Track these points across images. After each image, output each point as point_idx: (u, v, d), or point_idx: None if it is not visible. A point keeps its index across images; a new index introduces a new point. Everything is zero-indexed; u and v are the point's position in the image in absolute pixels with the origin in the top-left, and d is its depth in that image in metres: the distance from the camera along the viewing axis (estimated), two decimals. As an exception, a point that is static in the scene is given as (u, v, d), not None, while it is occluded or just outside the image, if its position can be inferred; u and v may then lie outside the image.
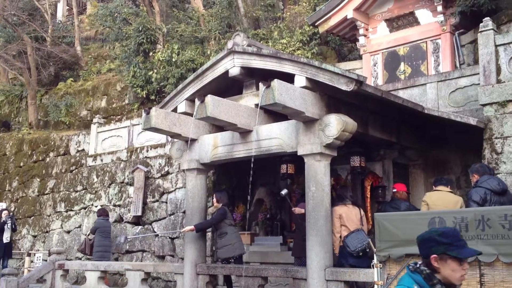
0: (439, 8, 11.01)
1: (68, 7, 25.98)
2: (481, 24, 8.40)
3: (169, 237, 11.82)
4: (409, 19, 11.64)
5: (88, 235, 12.27)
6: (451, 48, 11.04)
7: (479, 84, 8.34)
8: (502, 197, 6.58)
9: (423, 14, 11.47)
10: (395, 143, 8.97)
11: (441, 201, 7.26)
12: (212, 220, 8.57)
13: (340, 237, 7.73)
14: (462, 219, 5.02)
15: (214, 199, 8.84)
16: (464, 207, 7.25)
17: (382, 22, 12.00)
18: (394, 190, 8.37)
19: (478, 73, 8.44)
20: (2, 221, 13.15)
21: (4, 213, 13.41)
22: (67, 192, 14.58)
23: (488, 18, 8.47)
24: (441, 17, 11.08)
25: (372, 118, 8.25)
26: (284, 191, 8.33)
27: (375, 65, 12.06)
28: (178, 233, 8.37)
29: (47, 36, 21.05)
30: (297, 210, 8.23)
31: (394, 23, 11.85)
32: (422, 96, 9.37)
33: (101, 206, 13.54)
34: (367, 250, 7.44)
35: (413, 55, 11.55)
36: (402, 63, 11.66)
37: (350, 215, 7.84)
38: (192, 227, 8.50)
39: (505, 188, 6.71)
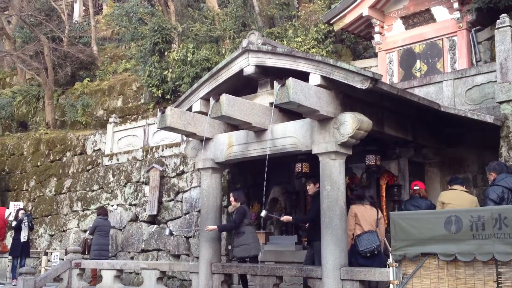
0: (456, 5, 10.91)
1: (84, 8, 26.20)
2: (498, 20, 8.30)
3: (184, 236, 11.86)
4: (425, 16, 11.54)
5: (88, 235, 12.44)
6: (468, 45, 10.93)
7: (496, 81, 8.25)
8: None
9: (439, 11, 11.36)
10: (411, 141, 8.89)
11: (456, 200, 7.20)
12: (234, 223, 8.54)
13: (353, 235, 7.67)
14: (478, 217, 4.98)
15: (232, 198, 8.83)
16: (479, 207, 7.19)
17: (398, 20, 11.92)
18: (416, 187, 8.29)
19: (495, 70, 8.35)
20: (18, 219, 13.28)
21: (21, 212, 13.54)
22: (84, 192, 14.70)
23: (505, 14, 8.37)
24: (457, 14, 10.97)
25: (388, 116, 8.19)
26: (263, 213, 8.37)
27: (390, 63, 11.98)
28: (205, 230, 8.49)
29: (63, 37, 21.24)
30: (285, 218, 8.37)
31: (410, 21, 11.76)
32: (438, 94, 9.29)
33: (117, 205, 13.63)
34: (376, 252, 7.39)
35: (429, 52, 11.45)
36: (418, 61, 11.57)
37: (365, 215, 7.76)
38: (215, 227, 8.52)
39: None
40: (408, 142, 8.95)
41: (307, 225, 8.65)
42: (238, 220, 8.44)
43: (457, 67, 10.84)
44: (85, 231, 13.83)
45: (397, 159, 9.54)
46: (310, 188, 8.45)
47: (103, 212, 12.41)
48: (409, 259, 5.49)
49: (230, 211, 9.10)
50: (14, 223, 13.33)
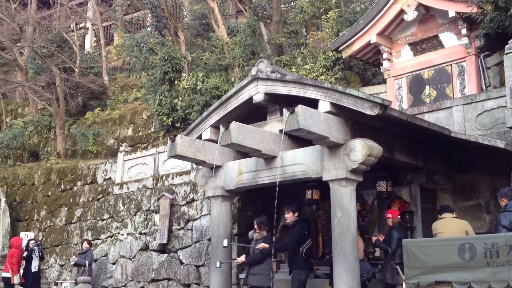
0: (463, 31, 10.94)
1: (95, 39, 26.57)
2: (506, 46, 8.31)
3: (195, 265, 11.76)
4: (433, 43, 11.58)
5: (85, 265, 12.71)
6: (477, 71, 10.93)
7: (506, 106, 8.20)
8: None
9: (447, 37, 11.39)
10: (422, 167, 8.84)
11: (447, 227, 7.45)
12: (262, 254, 8.32)
13: None
14: (492, 244, 4.89)
15: (256, 226, 8.59)
16: (471, 230, 7.53)
17: (406, 46, 11.96)
18: (389, 215, 8.56)
19: (505, 95, 8.32)
20: (29, 249, 13.27)
21: (32, 242, 13.54)
22: (94, 221, 14.69)
23: (513, 39, 8.37)
24: (465, 40, 11.00)
25: (398, 142, 8.16)
26: (225, 242, 8.32)
27: (399, 89, 11.99)
28: (235, 263, 8.46)
29: (75, 67, 21.50)
30: (261, 246, 8.17)
31: (418, 47, 11.80)
32: (449, 120, 9.26)
33: (127, 234, 13.58)
34: (372, 279, 7.63)
35: (438, 78, 11.46)
36: (427, 87, 11.57)
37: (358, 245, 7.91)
38: (243, 259, 8.36)
39: None
40: (419, 168, 8.90)
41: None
42: (266, 251, 8.22)
43: (466, 92, 10.82)
44: (95, 260, 13.77)
45: (408, 185, 9.47)
46: (289, 217, 8.31)
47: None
48: (423, 287, 5.39)
49: (256, 238, 8.78)
50: (25, 253, 13.31)
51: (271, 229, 8.72)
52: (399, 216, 8.62)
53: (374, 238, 8.65)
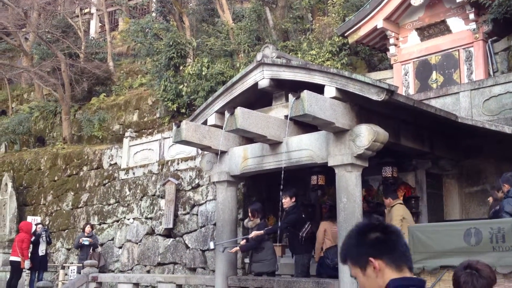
0: (471, 16, 10.85)
1: (100, 24, 26.52)
2: (514, 30, 8.24)
3: (200, 249, 11.83)
4: (441, 28, 11.48)
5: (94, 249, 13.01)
6: (484, 56, 10.84)
7: (513, 91, 8.16)
8: None
9: (454, 22, 11.30)
10: (428, 153, 8.81)
11: (408, 215, 7.84)
12: (256, 242, 8.44)
13: (322, 248, 8.41)
14: (498, 229, 4.90)
15: (250, 214, 8.76)
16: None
17: (413, 31, 11.87)
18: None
19: (513, 81, 8.26)
20: (37, 234, 13.37)
21: (39, 227, 13.64)
22: (100, 206, 14.76)
23: (522, 24, 8.30)
24: (473, 25, 10.91)
25: (404, 127, 8.13)
26: (211, 244, 8.42)
27: (406, 75, 11.92)
28: (229, 252, 8.54)
29: (80, 53, 21.48)
30: (254, 234, 8.31)
31: (425, 32, 11.71)
32: (455, 105, 9.21)
33: (133, 219, 13.66)
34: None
35: (445, 63, 11.38)
36: (434, 72, 11.50)
37: (333, 231, 8.35)
38: (237, 248, 8.49)
39: None
40: (425, 153, 8.88)
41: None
42: (259, 238, 8.37)
43: (473, 78, 10.75)
44: (101, 244, 13.87)
45: (414, 170, 9.45)
46: (286, 202, 8.37)
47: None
48: (428, 272, 5.41)
49: (250, 227, 8.93)
50: (32, 238, 13.41)
51: (265, 216, 8.79)
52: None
53: None
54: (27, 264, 12.97)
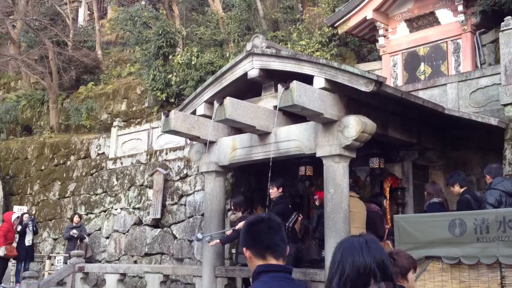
0: (460, 8, 10.88)
1: (89, 12, 26.25)
2: (502, 23, 8.28)
3: (188, 240, 11.84)
4: (430, 19, 11.52)
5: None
6: (472, 48, 10.90)
7: (500, 84, 8.21)
8: None
9: (443, 14, 11.33)
10: (415, 144, 8.86)
11: (355, 207, 7.90)
12: (237, 233, 8.44)
13: None
14: (483, 220, 4.95)
15: (232, 207, 8.78)
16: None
17: (402, 23, 11.89)
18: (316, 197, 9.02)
19: (500, 73, 8.32)
20: (23, 224, 13.29)
21: (25, 216, 13.56)
22: (88, 195, 14.70)
23: (509, 17, 8.33)
24: (462, 17, 10.95)
25: (392, 119, 8.16)
26: (199, 236, 8.39)
27: (394, 66, 11.96)
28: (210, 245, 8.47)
29: (68, 41, 21.29)
30: (239, 225, 8.22)
31: (414, 23, 11.74)
32: (443, 97, 9.25)
33: (120, 209, 13.63)
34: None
35: (433, 55, 11.42)
36: (422, 64, 11.54)
37: None
38: (218, 241, 8.44)
39: None
40: (412, 145, 8.93)
41: None
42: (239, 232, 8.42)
43: (461, 69, 10.80)
44: (89, 235, 13.84)
45: (401, 162, 9.50)
46: (273, 192, 8.33)
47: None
48: (413, 262, 5.45)
49: (233, 220, 8.95)
50: (19, 227, 13.32)
51: (248, 209, 8.79)
52: None
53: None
54: (1, 251, 12.81)
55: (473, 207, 6.81)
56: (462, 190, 7.24)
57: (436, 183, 8.18)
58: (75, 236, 12.95)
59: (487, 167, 7.02)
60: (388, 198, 9.38)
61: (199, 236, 8.45)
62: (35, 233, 13.65)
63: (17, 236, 13.44)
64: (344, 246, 2.07)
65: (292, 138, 7.81)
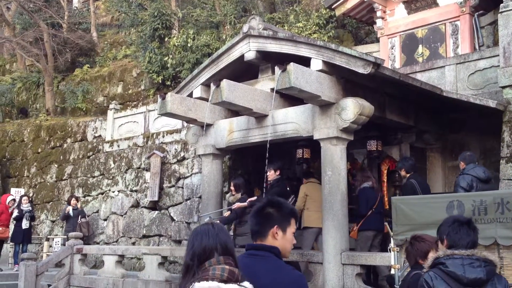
0: (459, -11, 10.81)
1: (84, -6, 26.00)
2: (501, 4, 8.22)
3: (186, 222, 11.87)
4: (428, 1, 11.43)
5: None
6: (470, 30, 10.84)
7: (498, 66, 8.18)
8: (486, 185, 6.98)
9: (442, -5, 11.25)
10: (412, 126, 8.86)
11: (312, 192, 8.34)
12: (236, 214, 8.48)
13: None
14: (481, 202, 4.96)
15: (232, 188, 8.78)
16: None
17: (400, 4, 11.81)
18: None
19: (498, 55, 8.29)
20: (21, 208, 13.30)
21: (24, 199, 13.57)
22: (85, 178, 14.70)
23: (508, -2, 8.27)
24: (460, -2, 10.87)
25: (390, 101, 8.15)
26: (195, 218, 8.43)
27: (392, 48, 11.90)
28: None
29: (63, 23, 21.10)
30: (237, 205, 8.38)
31: (413, 5, 11.65)
32: (441, 79, 9.23)
33: (118, 191, 13.63)
34: None
35: (431, 37, 11.37)
36: (420, 46, 11.49)
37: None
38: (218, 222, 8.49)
39: (489, 176, 7.12)
40: (409, 127, 8.93)
41: None
42: (240, 211, 8.42)
43: (459, 52, 10.76)
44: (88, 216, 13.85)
45: (398, 144, 9.50)
46: (270, 175, 8.39)
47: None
48: (411, 244, 5.47)
49: (231, 201, 8.96)
50: (15, 212, 13.28)
51: (248, 192, 8.79)
52: None
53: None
54: None
55: (417, 191, 7.40)
56: (408, 175, 7.87)
57: (366, 169, 8.82)
58: (71, 215, 12.96)
59: (462, 154, 7.47)
60: (385, 180, 9.41)
61: (195, 218, 8.48)
62: (32, 220, 13.67)
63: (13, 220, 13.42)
64: (197, 231, 2.57)
65: (289, 121, 7.79)
